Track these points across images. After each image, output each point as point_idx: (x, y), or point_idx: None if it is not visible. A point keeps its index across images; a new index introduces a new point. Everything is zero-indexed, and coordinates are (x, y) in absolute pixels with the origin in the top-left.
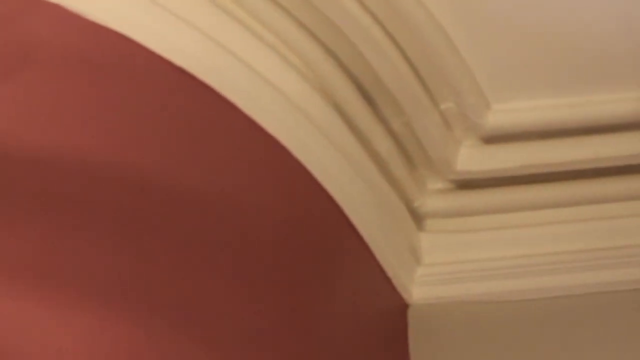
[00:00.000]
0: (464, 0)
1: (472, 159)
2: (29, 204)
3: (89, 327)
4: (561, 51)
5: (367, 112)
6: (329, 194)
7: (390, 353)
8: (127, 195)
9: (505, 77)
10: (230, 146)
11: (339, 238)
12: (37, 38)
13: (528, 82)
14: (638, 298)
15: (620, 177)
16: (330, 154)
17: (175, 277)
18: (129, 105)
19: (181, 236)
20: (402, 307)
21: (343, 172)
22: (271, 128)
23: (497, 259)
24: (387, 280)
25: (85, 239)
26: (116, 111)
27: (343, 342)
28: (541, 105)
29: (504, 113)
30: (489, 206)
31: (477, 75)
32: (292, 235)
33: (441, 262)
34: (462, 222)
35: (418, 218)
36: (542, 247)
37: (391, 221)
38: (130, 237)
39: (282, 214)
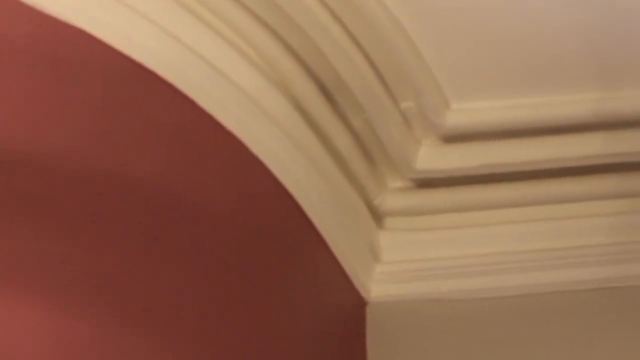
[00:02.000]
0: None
1: (431, 158)
2: None
3: (37, 320)
4: (521, 52)
5: (326, 108)
6: (287, 191)
7: (347, 350)
8: (80, 190)
9: (465, 77)
10: (188, 142)
11: (297, 235)
12: None
13: (488, 83)
14: (596, 298)
15: (579, 178)
16: (288, 150)
17: (128, 272)
18: (88, 101)
19: (134, 230)
20: (360, 304)
21: (301, 169)
22: (229, 124)
23: (456, 257)
24: (346, 278)
25: (35, 234)
26: (75, 107)
27: (300, 339)
28: (501, 106)
29: (463, 113)
30: (448, 205)
31: (437, 75)
32: (248, 232)
33: (400, 260)
34: (421, 221)
35: (377, 216)
36: (501, 246)
37: (350, 219)
38: (81, 231)
39: (239, 210)
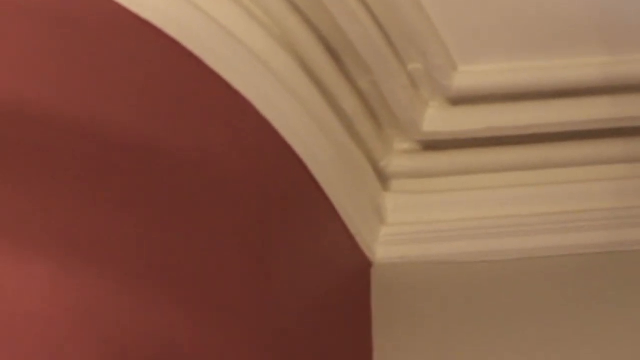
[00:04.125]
0: None
1: (438, 120)
2: None
3: (49, 273)
4: (529, 15)
5: (333, 70)
6: (294, 151)
7: (352, 311)
8: (91, 146)
9: (473, 40)
10: (195, 101)
11: (303, 195)
12: None
13: (495, 45)
14: (601, 261)
15: (585, 141)
16: (295, 111)
17: (132, 229)
18: (94, 58)
19: (145, 188)
20: (365, 266)
21: (308, 130)
22: (236, 83)
23: (461, 220)
24: (351, 239)
25: (48, 189)
26: (81, 63)
27: (305, 300)
28: (508, 68)
29: (470, 75)
30: (454, 167)
31: (445, 37)
32: (255, 191)
33: (405, 222)
34: (427, 183)
35: (383, 178)
36: (506, 209)
37: (356, 180)
38: (93, 188)
39: (246, 169)
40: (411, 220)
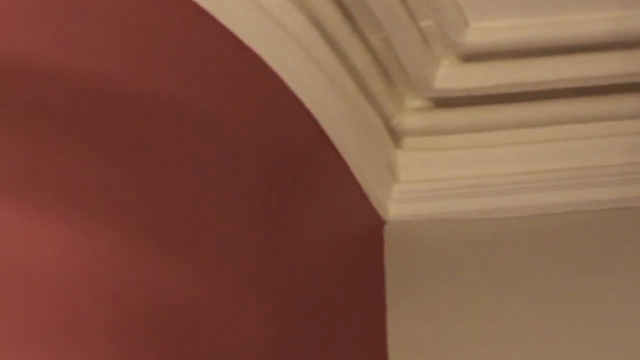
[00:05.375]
0: None
1: (450, 77)
2: (8, 112)
3: (68, 234)
4: None
5: (345, 26)
6: (306, 108)
7: (365, 269)
8: (98, 102)
9: None
10: (207, 57)
11: (316, 152)
12: None
13: (507, 1)
14: (614, 218)
15: (598, 97)
16: (307, 68)
17: (149, 185)
18: (98, 11)
19: (156, 144)
20: (378, 223)
21: (320, 86)
22: (248, 40)
23: (474, 177)
24: (364, 197)
25: (58, 146)
26: (85, 17)
27: (319, 258)
28: (520, 24)
29: (482, 31)
30: (466, 125)
31: None
32: (267, 148)
33: (418, 180)
34: (439, 140)
35: (395, 135)
36: (519, 165)
37: (368, 138)
38: (102, 145)
39: (258, 126)
40: (423, 178)
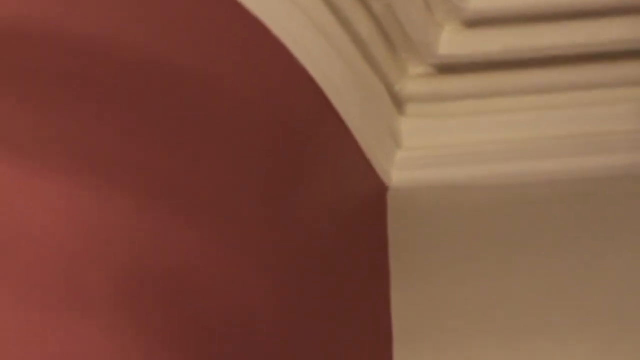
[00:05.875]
0: None
1: (453, 42)
2: (12, 73)
3: (64, 192)
4: None
5: None
6: (309, 75)
7: (369, 235)
8: (103, 66)
9: None
10: (209, 23)
11: (319, 119)
12: None
13: None
14: (620, 184)
15: (604, 63)
16: (310, 34)
17: (154, 149)
18: None
19: (159, 109)
20: (381, 190)
21: (323, 53)
22: (251, 6)
23: (477, 143)
24: (367, 163)
25: (62, 106)
26: None
27: (322, 223)
28: None
29: None
30: (469, 91)
31: None
32: (270, 114)
33: (421, 146)
34: (442, 107)
35: (398, 102)
36: (522, 132)
37: (371, 104)
38: (106, 106)
39: (261, 92)
40: (426, 144)
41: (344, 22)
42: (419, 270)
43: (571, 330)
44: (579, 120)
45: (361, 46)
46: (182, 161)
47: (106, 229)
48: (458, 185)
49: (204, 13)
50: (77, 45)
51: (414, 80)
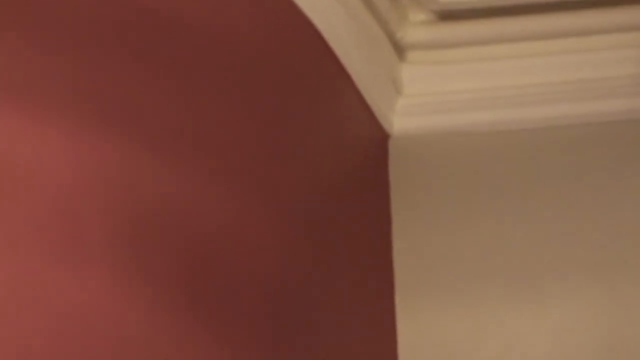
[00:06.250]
0: None
1: None
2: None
3: (67, 137)
4: None
5: None
6: (311, 23)
7: (371, 183)
8: (108, 10)
9: None
10: None
11: (321, 67)
12: None
13: None
14: (623, 129)
15: (606, 8)
16: None
17: (151, 97)
18: None
19: (161, 55)
20: (382, 138)
21: (326, 1)
22: None
23: (478, 90)
24: (368, 111)
25: (63, 47)
26: None
27: (324, 170)
28: None
29: None
30: (471, 37)
31: None
32: (273, 63)
33: (422, 93)
34: (443, 54)
35: (400, 49)
36: (524, 78)
37: (372, 51)
38: (109, 50)
39: (264, 41)
40: (428, 91)
41: None
42: (420, 216)
43: (573, 275)
44: (580, 65)
45: None
46: (184, 107)
47: (107, 173)
48: (459, 132)
49: None
50: None
51: (415, 28)
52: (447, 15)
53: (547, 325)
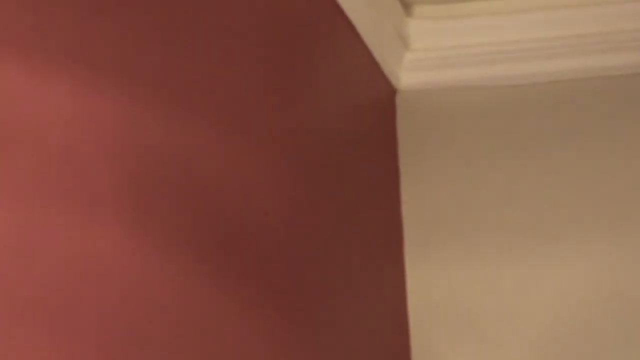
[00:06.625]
0: None
1: None
2: None
3: (75, 90)
4: None
5: None
6: None
7: (378, 138)
8: None
9: None
10: None
11: (328, 22)
12: None
13: None
14: (625, 82)
15: None
16: None
17: (162, 48)
18: None
19: (166, 7)
20: (390, 92)
21: None
22: None
23: (485, 44)
24: (376, 66)
25: (71, 5)
26: None
27: (332, 125)
28: None
29: None
30: None
31: None
32: (279, 16)
33: (429, 48)
34: (450, 8)
35: (406, 4)
36: (530, 32)
37: (379, 7)
38: (118, 12)
39: None
40: (435, 46)
41: None
42: (427, 169)
43: (582, 226)
44: (587, 19)
45: None
46: (189, 53)
47: (114, 126)
48: (466, 86)
49: None
50: None
51: None
52: None
53: (556, 276)
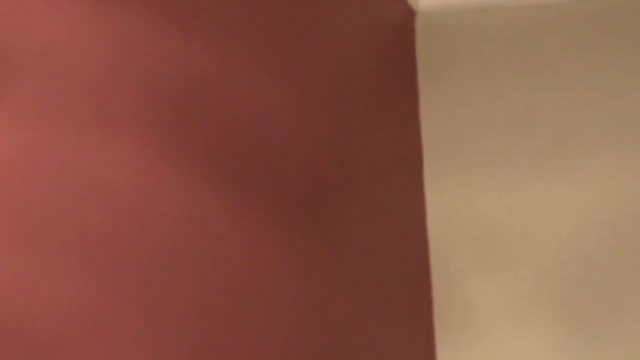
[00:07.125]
0: None
1: None
2: None
3: (92, 16)
4: None
5: None
6: None
7: (397, 59)
8: None
9: None
10: None
11: None
12: None
13: None
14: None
15: None
16: None
17: None
18: None
19: None
20: (409, 15)
21: None
22: None
23: None
24: None
25: None
26: None
27: (350, 48)
28: None
29: None
30: None
31: None
32: None
33: None
34: None
35: None
36: None
37: None
38: None
39: None
40: None
41: None
42: (447, 91)
43: (602, 144)
44: None
45: None
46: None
47: (129, 49)
48: (485, 7)
49: None
50: None
51: None
52: None
53: (574, 196)
